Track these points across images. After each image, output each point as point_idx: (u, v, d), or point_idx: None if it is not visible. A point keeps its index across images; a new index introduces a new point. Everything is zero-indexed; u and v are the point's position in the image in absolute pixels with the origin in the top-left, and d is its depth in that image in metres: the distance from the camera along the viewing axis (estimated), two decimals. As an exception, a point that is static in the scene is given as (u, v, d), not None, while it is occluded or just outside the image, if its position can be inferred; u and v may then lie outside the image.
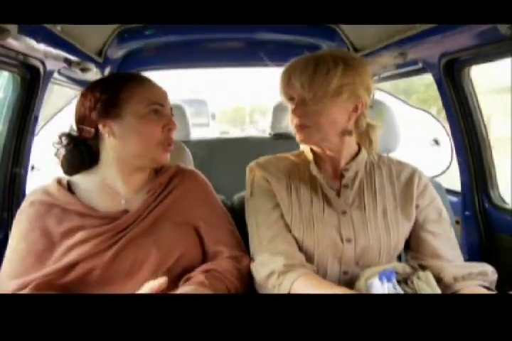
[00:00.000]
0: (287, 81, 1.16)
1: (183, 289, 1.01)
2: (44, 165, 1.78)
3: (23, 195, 1.53)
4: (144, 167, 1.18)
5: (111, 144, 1.14)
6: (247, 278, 1.14)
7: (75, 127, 1.17)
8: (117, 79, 1.18)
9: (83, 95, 1.15)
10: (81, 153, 1.18)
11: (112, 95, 1.12)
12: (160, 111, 1.14)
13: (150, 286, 0.98)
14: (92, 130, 1.14)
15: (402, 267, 1.16)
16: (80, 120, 1.15)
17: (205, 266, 1.12)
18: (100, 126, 1.13)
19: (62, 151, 1.19)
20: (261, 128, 12.57)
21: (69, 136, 1.18)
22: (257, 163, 1.25)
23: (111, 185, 1.17)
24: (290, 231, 1.16)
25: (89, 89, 1.16)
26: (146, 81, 1.17)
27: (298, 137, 1.18)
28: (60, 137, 1.19)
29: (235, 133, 11.49)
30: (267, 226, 1.17)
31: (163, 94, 1.17)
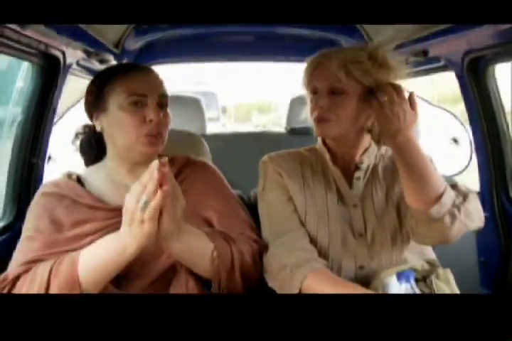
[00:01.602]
0: (314, 68, 1.15)
1: (186, 226, 1.00)
2: (61, 156, 1.79)
3: (40, 185, 1.53)
4: (138, 161, 1.14)
5: (106, 138, 1.15)
6: (260, 261, 1.12)
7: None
8: (106, 72, 1.17)
9: (86, 89, 1.16)
10: (92, 144, 1.21)
11: (99, 88, 1.12)
12: (141, 102, 1.09)
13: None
14: (93, 124, 1.16)
15: (421, 265, 1.16)
16: (86, 113, 1.17)
17: (220, 229, 1.12)
18: (94, 120, 1.14)
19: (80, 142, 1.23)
20: (255, 123, 12.52)
21: (87, 127, 1.21)
22: (270, 157, 1.24)
23: (117, 178, 1.16)
24: (303, 225, 1.16)
25: (90, 82, 1.17)
26: (132, 71, 1.13)
27: (316, 130, 1.16)
28: (84, 127, 1.22)
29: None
30: (280, 220, 1.16)
31: (147, 84, 1.11)
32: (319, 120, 1.14)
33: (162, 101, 1.12)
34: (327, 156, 1.21)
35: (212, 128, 3.09)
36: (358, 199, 1.18)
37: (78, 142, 1.24)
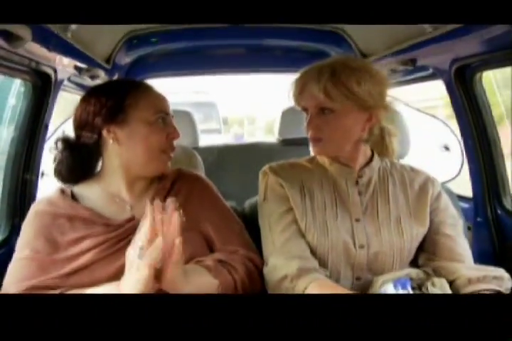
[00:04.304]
0: (300, 90, 1.17)
1: (187, 267, 1.00)
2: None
3: (34, 201, 1.52)
4: (146, 176, 1.17)
5: (115, 151, 1.13)
6: (259, 279, 1.12)
7: (67, 132, 1.16)
8: (121, 85, 1.18)
9: (85, 100, 1.14)
10: (82, 159, 1.16)
11: (117, 101, 1.11)
12: (166, 119, 1.14)
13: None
14: (95, 136, 1.12)
15: (416, 273, 1.15)
16: (81, 125, 1.13)
17: (217, 255, 1.10)
18: (104, 132, 1.12)
19: (61, 158, 1.15)
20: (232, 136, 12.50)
21: (66, 141, 1.16)
22: (271, 168, 1.24)
23: (115, 192, 1.16)
24: (304, 236, 1.16)
25: (92, 94, 1.15)
26: (150, 88, 1.17)
27: (313, 150, 1.19)
28: (56, 143, 1.16)
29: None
30: (281, 230, 1.16)
31: (167, 103, 1.17)
32: (312, 139, 1.17)
33: (172, 119, 1.18)
34: (336, 167, 1.21)
35: (213, 142, 3.08)
36: (361, 213, 1.18)
37: (60, 158, 1.16)
